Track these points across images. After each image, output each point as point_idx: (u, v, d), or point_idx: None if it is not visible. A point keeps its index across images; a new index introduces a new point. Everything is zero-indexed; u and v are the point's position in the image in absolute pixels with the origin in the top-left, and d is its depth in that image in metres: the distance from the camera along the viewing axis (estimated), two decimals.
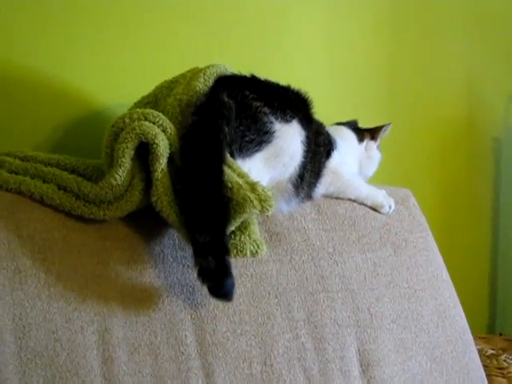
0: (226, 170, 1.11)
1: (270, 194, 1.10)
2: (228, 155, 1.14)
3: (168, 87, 1.25)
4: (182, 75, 1.27)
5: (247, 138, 1.17)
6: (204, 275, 1.07)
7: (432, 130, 2.05)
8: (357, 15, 1.89)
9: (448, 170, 2.17)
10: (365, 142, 1.55)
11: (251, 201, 1.08)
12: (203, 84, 1.21)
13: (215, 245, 1.07)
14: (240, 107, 1.17)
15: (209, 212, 1.08)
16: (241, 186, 1.10)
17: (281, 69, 1.72)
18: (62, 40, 1.37)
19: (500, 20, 2.27)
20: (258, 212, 1.10)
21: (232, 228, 1.11)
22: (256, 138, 1.18)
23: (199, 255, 1.07)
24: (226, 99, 1.15)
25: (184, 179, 1.09)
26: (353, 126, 1.57)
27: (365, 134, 1.56)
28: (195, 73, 1.24)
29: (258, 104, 1.19)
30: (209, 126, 1.12)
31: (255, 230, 1.16)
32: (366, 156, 1.55)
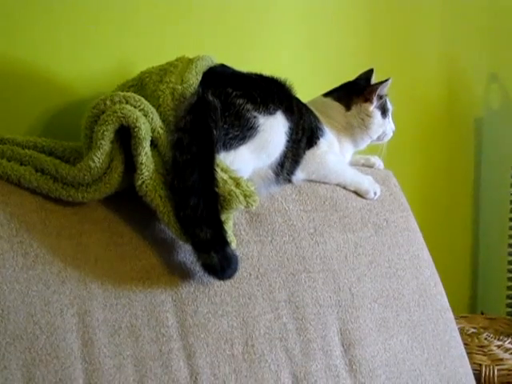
0: None
1: (253, 189, 1.15)
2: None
3: (157, 73, 1.25)
4: (171, 64, 1.27)
5: (231, 135, 1.19)
6: (209, 269, 1.13)
7: (413, 112, 2.05)
8: (334, 0, 1.88)
9: (429, 151, 2.18)
10: (354, 109, 1.47)
11: (237, 196, 1.12)
12: (195, 77, 1.22)
13: (216, 240, 1.11)
14: (224, 106, 1.18)
15: (206, 208, 1.10)
16: (225, 181, 1.14)
17: (264, 55, 1.72)
18: (43, 28, 1.35)
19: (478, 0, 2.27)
20: (242, 208, 1.14)
21: None
22: (240, 134, 1.20)
23: (202, 251, 1.11)
24: (211, 98, 1.17)
25: (181, 174, 1.11)
26: (345, 90, 1.49)
27: (353, 98, 1.48)
28: (186, 64, 1.26)
29: (240, 101, 1.20)
30: (202, 126, 1.14)
31: (231, 224, 1.18)
32: (357, 123, 1.47)
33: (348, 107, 1.48)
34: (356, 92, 1.48)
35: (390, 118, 1.53)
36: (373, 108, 1.47)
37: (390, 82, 1.46)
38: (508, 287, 2.27)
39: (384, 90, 1.48)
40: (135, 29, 1.48)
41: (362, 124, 1.47)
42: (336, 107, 1.48)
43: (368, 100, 1.47)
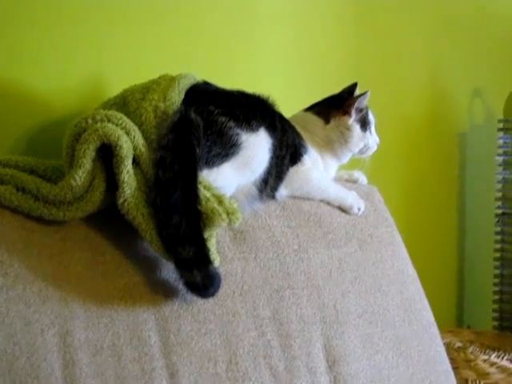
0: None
1: (236, 206, 1.15)
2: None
3: (140, 91, 1.25)
4: (154, 81, 1.27)
5: (213, 152, 1.19)
6: (191, 287, 1.12)
7: (397, 127, 2.06)
8: (320, 15, 1.89)
9: (413, 166, 2.19)
10: (332, 122, 1.47)
11: (220, 214, 1.12)
12: (178, 95, 1.22)
13: (199, 258, 1.10)
14: (206, 123, 1.18)
15: (189, 225, 1.10)
16: (208, 198, 1.14)
17: (249, 70, 1.73)
18: (25, 45, 1.35)
19: (461, 16, 2.29)
20: (225, 225, 1.14)
21: None
22: (222, 151, 1.20)
23: (184, 269, 1.11)
24: (193, 116, 1.17)
25: (163, 192, 1.10)
26: (325, 104, 1.50)
27: (332, 112, 1.48)
28: (169, 82, 1.26)
29: (223, 119, 1.20)
30: (184, 144, 1.14)
31: (214, 242, 1.18)
32: (337, 137, 1.46)
33: (327, 121, 1.48)
34: (335, 105, 1.48)
35: (373, 131, 1.52)
36: (352, 121, 1.47)
37: (368, 94, 1.46)
38: (494, 301, 2.28)
39: (363, 102, 1.47)
40: (117, 46, 1.48)
41: (341, 137, 1.47)
42: (315, 121, 1.48)
43: (346, 113, 1.47)
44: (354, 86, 1.51)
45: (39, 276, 1.06)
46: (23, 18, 1.34)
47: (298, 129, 1.43)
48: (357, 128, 1.47)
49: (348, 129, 1.47)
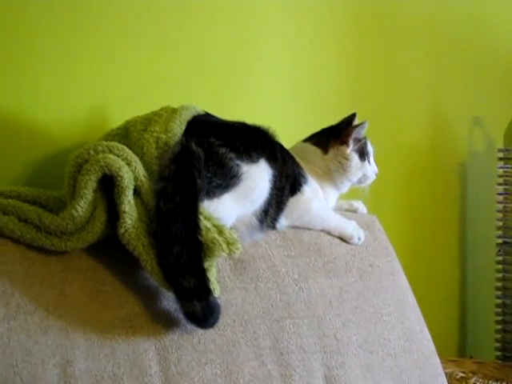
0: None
1: (236, 236, 1.16)
2: None
3: (142, 122, 1.27)
4: (155, 113, 1.30)
5: (214, 183, 1.20)
6: (191, 318, 1.13)
7: (396, 156, 2.07)
8: (319, 45, 1.92)
9: (413, 196, 2.19)
10: (331, 152, 1.48)
11: (220, 244, 1.13)
12: (179, 127, 1.24)
13: (200, 288, 1.11)
14: (207, 155, 1.20)
15: (190, 256, 1.11)
16: (208, 229, 1.15)
17: (249, 103, 1.75)
18: (27, 77, 1.37)
19: (461, 44, 2.31)
20: (225, 255, 1.15)
21: None
22: (223, 182, 1.22)
23: (185, 299, 1.11)
24: (194, 148, 1.18)
25: (165, 222, 1.12)
26: (323, 134, 1.51)
27: (331, 142, 1.49)
28: (171, 114, 1.28)
29: (223, 150, 1.22)
30: (186, 175, 1.16)
31: (214, 271, 1.19)
32: (335, 166, 1.48)
33: (325, 151, 1.49)
34: (334, 135, 1.49)
35: (372, 161, 1.54)
36: (350, 151, 1.48)
37: (366, 124, 1.48)
38: (496, 331, 2.27)
39: (361, 132, 1.49)
40: (119, 77, 1.50)
41: (339, 167, 1.48)
42: (314, 151, 1.49)
43: (344, 143, 1.48)
44: (353, 116, 1.53)
45: (40, 306, 1.07)
46: (25, 48, 1.37)
47: (298, 159, 1.44)
48: (355, 158, 1.49)
49: (346, 158, 1.48)
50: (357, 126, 1.48)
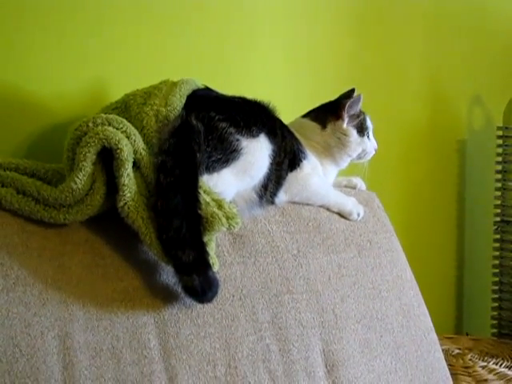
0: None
1: (235, 211, 1.16)
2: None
3: (141, 96, 1.26)
4: (155, 87, 1.28)
5: (214, 158, 1.20)
6: (190, 292, 1.12)
7: (396, 133, 2.07)
8: (317, 20, 1.90)
9: (412, 172, 2.19)
10: (329, 127, 1.47)
11: (219, 218, 1.13)
12: (179, 100, 1.23)
13: (199, 262, 1.11)
14: (207, 129, 1.19)
15: (189, 230, 1.10)
16: (208, 203, 1.14)
17: (248, 78, 1.73)
18: (25, 49, 1.35)
19: (461, 22, 2.30)
20: (225, 229, 1.15)
21: None
22: (223, 157, 1.21)
23: (184, 273, 1.11)
24: (194, 122, 1.18)
25: (164, 196, 1.11)
26: (322, 109, 1.50)
27: (328, 117, 1.47)
28: (170, 87, 1.27)
29: (223, 125, 1.21)
30: (185, 149, 1.15)
31: (213, 246, 1.18)
32: (334, 142, 1.47)
33: (324, 126, 1.47)
34: (332, 111, 1.48)
35: (371, 136, 1.53)
36: (346, 125, 1.46)
37: (361, 98, 1.46)
38: (493, 308, 2.28)
39: (356, 106, 1.46)
40: (118, 51, 1.49)
41: (339, 143, 1.47)
42: (312, 127, 1.48)
43: (340, 117, 1.46)
44: (352, 91, 1.51)
45: (39, 278, 1.07)
46: (26, 22, 1.35)
47: (297, 135, 1.43)
48: (354, 133, 1.47)
49: (345, 134, 1.47)
50: (350, 99, 1.46)
